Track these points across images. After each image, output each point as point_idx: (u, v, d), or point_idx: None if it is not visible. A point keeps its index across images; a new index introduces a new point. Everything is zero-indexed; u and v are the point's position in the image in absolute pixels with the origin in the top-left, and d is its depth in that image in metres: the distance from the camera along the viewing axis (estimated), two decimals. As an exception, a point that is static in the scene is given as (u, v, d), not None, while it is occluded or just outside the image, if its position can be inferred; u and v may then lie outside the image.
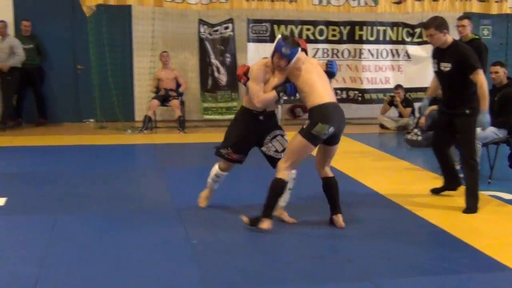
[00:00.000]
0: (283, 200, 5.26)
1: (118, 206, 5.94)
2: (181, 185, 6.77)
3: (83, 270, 4.27)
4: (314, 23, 11.82)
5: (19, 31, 11.23)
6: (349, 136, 10.26)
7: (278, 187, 5.00)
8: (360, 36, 11.91)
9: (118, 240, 4.92)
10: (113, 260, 4.46)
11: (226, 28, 11.40)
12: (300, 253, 4.70)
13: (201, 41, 11.39)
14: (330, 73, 5.33)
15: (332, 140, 5.14)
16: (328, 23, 11.86)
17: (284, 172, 5.02)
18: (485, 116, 5.59)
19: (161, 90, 11.03)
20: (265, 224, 4.99)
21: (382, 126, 11.44)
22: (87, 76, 11.46)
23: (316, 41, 11.80)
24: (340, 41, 11.92)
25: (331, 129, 4.95)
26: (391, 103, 11.44)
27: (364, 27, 11.88)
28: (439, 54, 5.77)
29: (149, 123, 10.76)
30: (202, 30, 11.36)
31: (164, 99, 10.99)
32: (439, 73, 5.82)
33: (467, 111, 5.69)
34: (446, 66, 5.67)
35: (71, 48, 11.57)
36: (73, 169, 7.70)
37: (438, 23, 5.62)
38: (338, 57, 11.88)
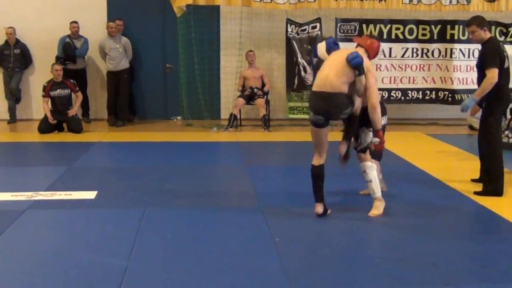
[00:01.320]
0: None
1: (204, 201, 6.01)
2: (265, 183, 6.78)
3: (169, 263, 4.35)
4: (404, 22, 11.56)
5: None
6: (437, 137, 10.02)
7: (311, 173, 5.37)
8: (452, 35, 11.55)
9: (202, 235, 4.98)
10: (197, 254, 4.52)
11: (314, 27, 11.34)
12: (383, 254, 4.59)
13: (288, 40, 11.38)
14: (353, 65, 5.20)
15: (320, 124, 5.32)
16: (418, 22, 11.57)
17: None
18: (470, 101, 6.29)
19: (247, 89, 11.10)
20: (317, 208, 5.36)
21: (471, 128, 11.05)
22: (175, 75, 11.69)
23: (405, 40, 11.54)
24: (430, 40, 11.61)
25: (311, 114, 5.33)
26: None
27: (456, 26, 11.51)
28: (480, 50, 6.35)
29: (234, 121, 10.86)
30: (289, 29, 11.36)
31: (249, 98, 11.06)
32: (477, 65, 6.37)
33: (484, 104, 6.27)
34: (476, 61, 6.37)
35: (160, 47, 11.82)
36: (161, 165, 7.86)
37: (480, 21, 6.18)
38: (428, 56, 11.57)
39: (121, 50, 11.13)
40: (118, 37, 11.19)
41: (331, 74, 5.19)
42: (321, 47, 5.56)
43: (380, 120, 5.27)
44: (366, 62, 5.25)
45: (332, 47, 5.51)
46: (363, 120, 5.41)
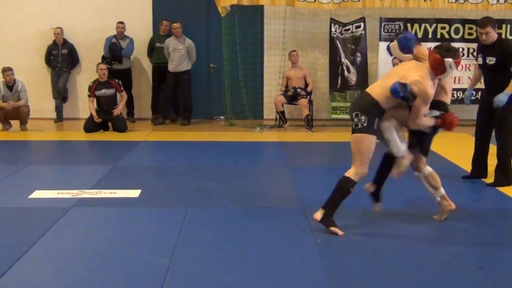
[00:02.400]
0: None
1: (246, 201, 6.02)
2: (308, 183, 6.76)
3: (211, 262, 4.37)
4: (450, 22, 11.39)
5: (158, 31, 11.71)
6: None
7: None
8: (499, 34, 11.31)
9: (245, 235, 4.99)
10: (239, 255, 4.53)
11: (358, 27, 11.25)
12: (427, 258, 4.52)
13: (332, 40, 11.32)
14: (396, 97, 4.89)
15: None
16: (464, 21, 11.38)
17: None
18: (504, 96, 6.23)
19: (290, 89, 11.08)
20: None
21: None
22: (219, 74, 11.75)
23: (451, 39, 11.34)
24: (477, 40, 11.39)
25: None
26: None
27: (503, 25, 11.28)
28: (484, 50, 6.43)
29: (284, 117, 10.90)
30: (333, 29, 11.30)
31: (292, 98, 11.04)
32: (483, 66, 6.47)
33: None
34: (491, 60, 6.34)
35: (205, 47, 11.89)
36: (204, 164, 7.91)
37: (492, 21, 6.32)
38: (474, 56, 11.37)
39: (184, 51, 11.22)
40: (182, 38, 11.29)
41: (382, 80, 5.10)
42: (394, 47, 5.15)
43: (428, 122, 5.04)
44: (421, 84, 4.82)
45: (405, 45, 5.07)
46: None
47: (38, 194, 6.20)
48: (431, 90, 4.84)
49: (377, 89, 4.97)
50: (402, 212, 5.58)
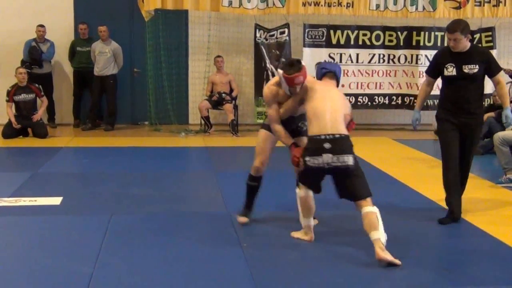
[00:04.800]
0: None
1: (171, 207, 5.98)
2: (233, 188, 6.74)
3: (136, 269, 4.31)
4: (371, 28, 11.69)
5: (78, 35, 11.47)
6: (404, 143, 10.13)
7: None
8: (417, 41, 11.70)
9: (170, 241, 4.95)
10: (164, 260, 4.49)
11: (282, 33, 11.38)
12: (350, 260, 4.60)
13: (257, 45, 11.40)
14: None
15: None
16: (385, 28, 11.71)
17: None
18: (509, 112, 5.53)
19: (215, 94, 11.09)
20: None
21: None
22: (142, 79, 11.62)
23: (372, 46, 11.67)
24: (397, 47, 11.75)
25: None
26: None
27: (422, 33, 11.66)
28: (457, 58, 5.47)
29: (209, 122, 10.94)
30: (258, 34, 11.37)
31: (217, 103, 11.05)
32: (456, 77, 5.47)
33: (478, 112, 5.62)
34: (472, 68, 5.43)
35: (128, 51, 11.73)
36: (127, 170, 7.80)
37: (463, 27, 5.39)
38: (394, 62, 11.72)
39: (110, 55, 11.02)
40: (108, 42, 11.09)
41: None
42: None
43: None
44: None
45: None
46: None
47: (-47, 203, 5.96)
48: (266, 90, 5.19)
49: None
50: (327, 216, 5.66)
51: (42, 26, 11.14)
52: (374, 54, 11.71)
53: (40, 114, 10.33)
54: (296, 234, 5.05)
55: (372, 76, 11.74)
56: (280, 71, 4.97)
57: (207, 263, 4.47)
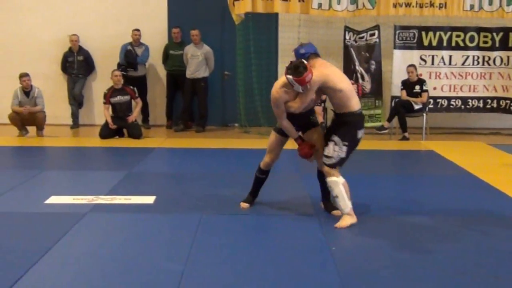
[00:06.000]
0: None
1: (260, 208, 6.03)
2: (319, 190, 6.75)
3: (225, 269, 4.39)
4: (465, 29, 11.37)
5: (171, 38, 11.78)
6: (500, 148, 9.78)
7: None
8: (517, 42, 11.29)
9: (258, 241, 5.01)
10: (253, 261, 4.54)
11: (372, 34, 11.26)
12: (443, 268, 4.51)
13: (346, 48, 11.33)
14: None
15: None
16: (479, 29, 11.36)
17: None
18: None
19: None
20: None
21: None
22: (233, 82, 11.79)
23: (466, 47, 11.35)
24: (492, 48, 11.37)
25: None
26: None
27: (520, 34, 11.25)
28: None
29: None
30: (347, 37, 11.31)
31: (307, 105, 11.04)
32: None
33: None
34: None
35: (219, 54, 11.93)
36: (218, 171, 7.93)
37: None
38: (489, 64, 11.36)
39: (201, 58, 11.28)
40: (200, 45, 11.35)
41: None
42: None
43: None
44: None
45: (298, 57, 5.51)
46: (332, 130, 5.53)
47: (54, 199, 6.26)
48: (275, 94, 5.48)
49: None
50: (419, 223, 5.57)
51: (137, 30, 11.53)
52: (468, 56, 11.38)
53: (135, 115, 10.67)
54: (343, 223, 5.34)
55: (466, 78, 11.42)
56: (290, 77, 5.24)
57: (295, 265, 4.49)
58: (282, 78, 5.50)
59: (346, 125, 5.36)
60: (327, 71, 5.43)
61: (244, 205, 6.02)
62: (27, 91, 10.61)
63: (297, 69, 5.21)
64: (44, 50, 11.95)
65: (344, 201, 5.38)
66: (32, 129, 10.69)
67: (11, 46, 12.01)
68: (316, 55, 5.57)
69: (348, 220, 5.38)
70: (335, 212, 5.69)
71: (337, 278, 4.23)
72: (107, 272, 4.35)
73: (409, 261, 4.62)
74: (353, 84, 5.57)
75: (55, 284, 4.19)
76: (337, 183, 5.37)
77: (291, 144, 5.96)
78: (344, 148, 5.35)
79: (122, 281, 4.20)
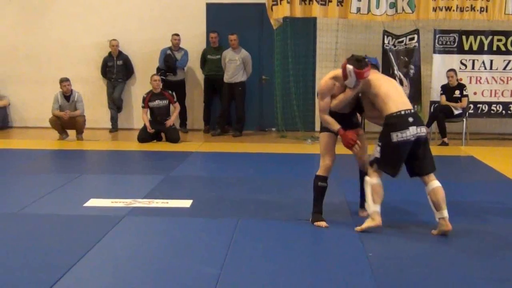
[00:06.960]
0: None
1: (296, 213, 6.00)
2: (358, 197, 6.69)
3: (262, 274, 4.38)
4: (506, 34, 11.17)
5: (209, 43, 11.84)
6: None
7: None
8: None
9: (295, 247, 4.98)
10: (289, 266, 4.52)
11: (411, 39, 11.15)
12: (484, 276, 4.42)
13: (385, 52, 11.24)
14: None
15: None
16: (522, 33, 11.16)
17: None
18: None
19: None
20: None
21: None
22: (270, 86, 11.80)
23: (508, 52, 11.15)
24: (534, 53, 11.15)
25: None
26: None
27: None
28: None
29: None
30: (386, 41, 11.22)
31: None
32: None
33: None
34: None
35: (257, 59, 11.95)
36: (255, 176, 7.93)
37: None
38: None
39: (239, 63, 11.32)
40: (238, 50, 11.41)
41: None
42: None
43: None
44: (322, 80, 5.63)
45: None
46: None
47: (92, 202, 6.34)
48: (324, 84, 5.50)
49: None
50: (459, 229, 5.48)
51: (177, 35, 11.62)
52: (509, 61, 11.17)
53: (173, 119, 10.75)
54: (363, 226, 5.29)
55: (507, 83, 11.21)
56: (350, 67, 5.21)
57: (332, 272, 4.45)
58: (333, 71, 5.55)
59: (383, 127, 5.34)
60: (376, 74, 5.49)
61: (322, 223, 5.51)
62: (67, 95, 10.77)
63: (360, 61, 5.22)
64: (84, 54, 12.14)
65: (368, 202, 5.35)
66: (72, 133, 10.85)
67: (53, 51, 12.24)
68: (374, 66, 5.58)
69: (367, 223, 5.32)
70: (361, 213, 5.77)
71: (374, 285, 4.18)
72: (144, 275, 4.38)
73: (448, 270, 4.55)
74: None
75: (94, 285, 4.24)
76: (367, 182, 5.39)
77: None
78: (378, 149, 5.33)
79: (159, 284, 4.22)
